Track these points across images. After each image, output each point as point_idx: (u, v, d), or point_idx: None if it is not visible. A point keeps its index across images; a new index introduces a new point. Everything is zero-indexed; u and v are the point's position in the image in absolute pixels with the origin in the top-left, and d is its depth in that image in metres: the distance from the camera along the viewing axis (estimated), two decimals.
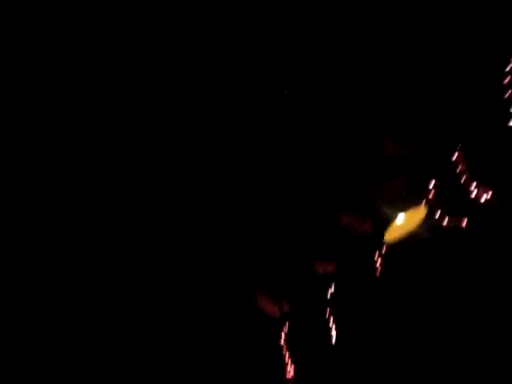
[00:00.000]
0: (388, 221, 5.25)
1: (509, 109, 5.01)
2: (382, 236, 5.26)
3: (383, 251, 5.31)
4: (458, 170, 5.25)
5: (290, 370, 5.28)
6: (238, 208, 5.37)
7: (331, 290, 5.40)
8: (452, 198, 5.26)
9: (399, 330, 5.25)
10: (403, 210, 5.24)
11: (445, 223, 5.24)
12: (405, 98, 5.26)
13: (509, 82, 4.99)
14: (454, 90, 5.19)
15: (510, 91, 5.00)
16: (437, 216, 5.24)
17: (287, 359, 5.32)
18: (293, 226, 5.41)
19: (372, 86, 5.26)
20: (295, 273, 5.43)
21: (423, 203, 5.25)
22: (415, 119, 5.26)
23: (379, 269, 5.33)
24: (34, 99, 4.85)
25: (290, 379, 5.25)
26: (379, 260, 5.33)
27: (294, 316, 5.45)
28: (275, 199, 5.37)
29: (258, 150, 5.23)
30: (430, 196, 5.25)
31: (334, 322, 5.35)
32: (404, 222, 5.24)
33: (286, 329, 5.42)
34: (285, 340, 5.39)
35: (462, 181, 5.23)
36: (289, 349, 5.36)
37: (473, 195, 5.15)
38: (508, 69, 4.98)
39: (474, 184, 5.14)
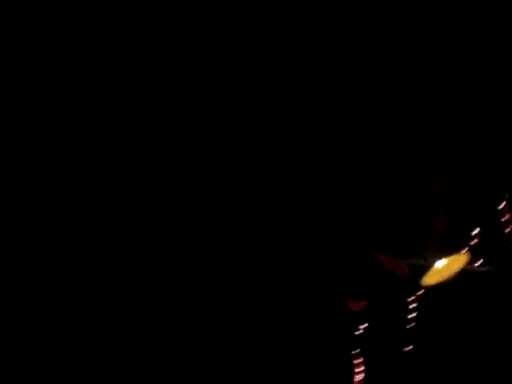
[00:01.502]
0: (427, 265, 5.11)
1: None
2: (419, 280, 5.12)
3: (419, 295, 5.17)
4: (503, 219, 5.10)
5: None
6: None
7: (362, 328, 5.30)
8: (495, 248, 5.11)
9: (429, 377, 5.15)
10: (444, 254, 5.09)
11: (486, 272, 5.10)
12: (452, 139, 5.10)
13: None
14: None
15: None
16: (478, 264, 5.10)
17: None
18: (328, 262, 5.30)
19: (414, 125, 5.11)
20: (328, 308, 5.33)
21: (465, 250, 5.09)
22: (463, 162, 5.10)
23: (413, 312, 5.21)
24: (34, 99, 4.76)
25: None
26: (414, 303, 5.20)
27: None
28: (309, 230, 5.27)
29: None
30: (473, 243, 5.09)
31: (362, 362, 5.26)
32: (444, 268, 5.11)
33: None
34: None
35: (507, 230, 5.08)
36: None
37: None
38: None
39: None
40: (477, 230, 5.13)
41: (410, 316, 5.24)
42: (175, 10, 4.56)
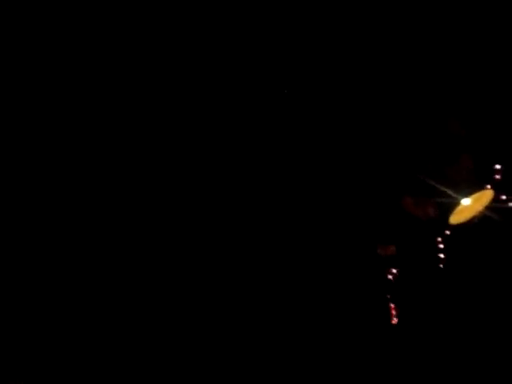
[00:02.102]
0: (453, 204, 5.13)
1: None
2: (447, 219, 5.15)
3: (447, 234, 5.22)
4: None
5: None
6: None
7: (392, 272, 5.36)
8: None
9: (459, 316, 5.25)
10: (469, 192, 5.10)
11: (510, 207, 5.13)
12: (472, 79, 5.05)
13: None
14: None
15: None
16: (503, 199, 5.12)
17: None
18: (357, 210, 5.31)
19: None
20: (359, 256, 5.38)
21: (489, 186, 5.11)
22: (482, 101, 5.07)
23: (443, 252, 5.26)
24: (34, 99, 4.66)
25: None
26: (443, 243, 5.24)
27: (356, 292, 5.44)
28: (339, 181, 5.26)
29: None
30: (497, 179, 5.10)
31: (394, 305, 5.34)
32: (470, 205, 5.13)
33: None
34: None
35: None
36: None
37: None
38: None
39: None
40: (499, 166, 5.14)
41: (439, 256, 5.29)
42: (175, 10, 4.43)
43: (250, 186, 5.05)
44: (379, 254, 5.34)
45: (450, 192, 5.13)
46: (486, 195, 5.17)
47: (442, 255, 5.28)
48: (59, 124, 4.72)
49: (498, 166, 5.13)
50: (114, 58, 4.69)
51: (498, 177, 5.13)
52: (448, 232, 5.23)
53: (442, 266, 5.29)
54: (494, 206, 5.18)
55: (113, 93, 4.72)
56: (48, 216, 4.85)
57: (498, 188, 5.15)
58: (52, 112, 4.69)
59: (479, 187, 5.14)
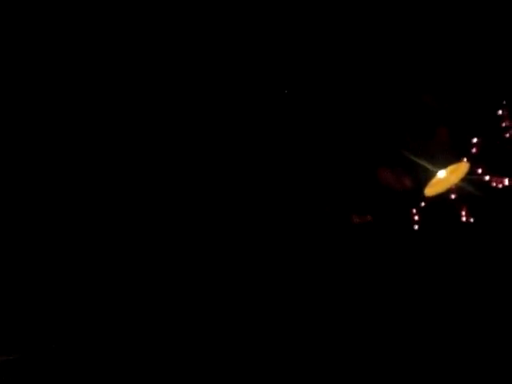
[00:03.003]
0: (429, 176, 5.14)
1: None
2: (422, 191, 5.17)
3: (422, 205, 5.25)
4: (502, 125, 5.09)
5: None
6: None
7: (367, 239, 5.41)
8: (496, 154, 5.14)
9: (432, 289, 5.32)
10: (445, 165, 5.11)
11: (487, 179, 5.15)
12: (449, 51, 5.01)
13: None
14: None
15: None
16: (479, 172, 5.14)
17: None
18: (332, 180, 5.32)
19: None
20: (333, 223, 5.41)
21: (465, 158, 5.12)
22: (460, 73, 5.04)
23: (417, 223, 5.30)
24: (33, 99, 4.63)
25: None
26: (417, 214, 5.28)
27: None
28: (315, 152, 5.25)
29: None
30: (473, 151, 5.11)
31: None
32: (445, 177, 5.14)
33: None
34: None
35: (507, 136, 5.09)
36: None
37: None
38: None
39: None
40: (476, 139, 5.13)
41: (413, 227, 5.33)
42: (175, 10, 4.37)
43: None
44: (354, 223, 5.38)
45: (425, 164, 5.14)
46: (462, 168, 5.18)
47: (416, 227, 5.31)
48: (59, 124, 4.68)
49: (474, 140, 5.13)
50: (113, 58, 4.62)
51: (474, 150, 5.13)
52: (423, 204, 5.25)
53: (415, 237, 5.34)
54: (470, 178, 5.19)
55: (112, 92, 4.67)
56: (48, 216, 4.84)
57: (474, 161, 5.15)
58: (52, 112, 4.64)
59: (455, 160, 5.14)
